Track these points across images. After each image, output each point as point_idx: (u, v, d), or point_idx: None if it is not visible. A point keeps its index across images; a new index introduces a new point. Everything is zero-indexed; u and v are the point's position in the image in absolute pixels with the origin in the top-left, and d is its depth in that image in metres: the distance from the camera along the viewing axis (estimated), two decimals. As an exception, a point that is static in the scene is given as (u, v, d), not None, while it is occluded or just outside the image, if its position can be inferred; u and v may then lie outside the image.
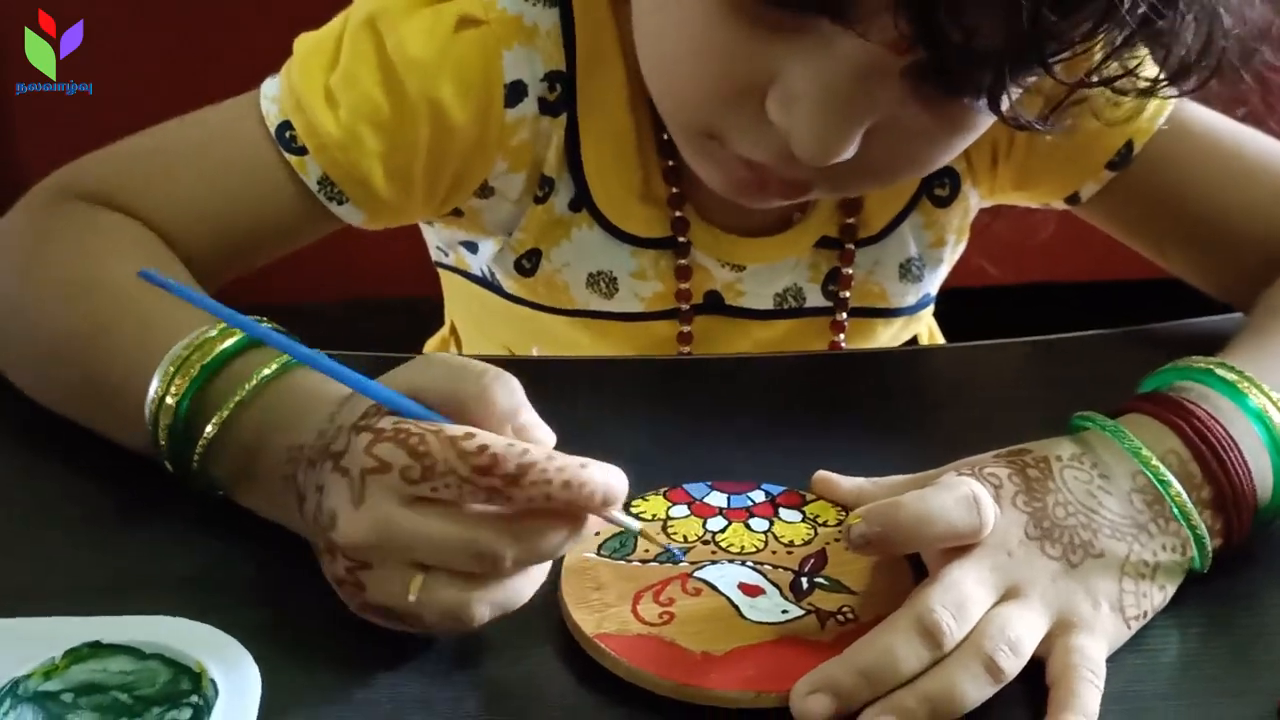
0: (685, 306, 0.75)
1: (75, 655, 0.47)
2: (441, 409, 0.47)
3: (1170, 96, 0.62)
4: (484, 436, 0.46)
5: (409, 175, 0.67)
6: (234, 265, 0.67)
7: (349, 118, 0.65)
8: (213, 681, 0.46)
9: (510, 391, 0.48)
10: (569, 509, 0.46)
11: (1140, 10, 0.50)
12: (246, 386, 0.54)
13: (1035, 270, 0.84)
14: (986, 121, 0.59)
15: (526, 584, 0.48)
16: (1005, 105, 0.54)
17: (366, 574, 0.47)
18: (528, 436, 0.47)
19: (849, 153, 0.56)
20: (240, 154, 0.66)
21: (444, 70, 0.65)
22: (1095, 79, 0.55)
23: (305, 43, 0.68)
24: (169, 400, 0.54)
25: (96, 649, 0.48)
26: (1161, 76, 0.57)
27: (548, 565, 0.49)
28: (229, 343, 0.55)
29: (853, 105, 0.54)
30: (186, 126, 0.67)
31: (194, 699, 0.47)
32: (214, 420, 0.54)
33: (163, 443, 0.55)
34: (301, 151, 0.65)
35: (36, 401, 0.62)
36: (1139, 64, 0.57)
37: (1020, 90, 0.56)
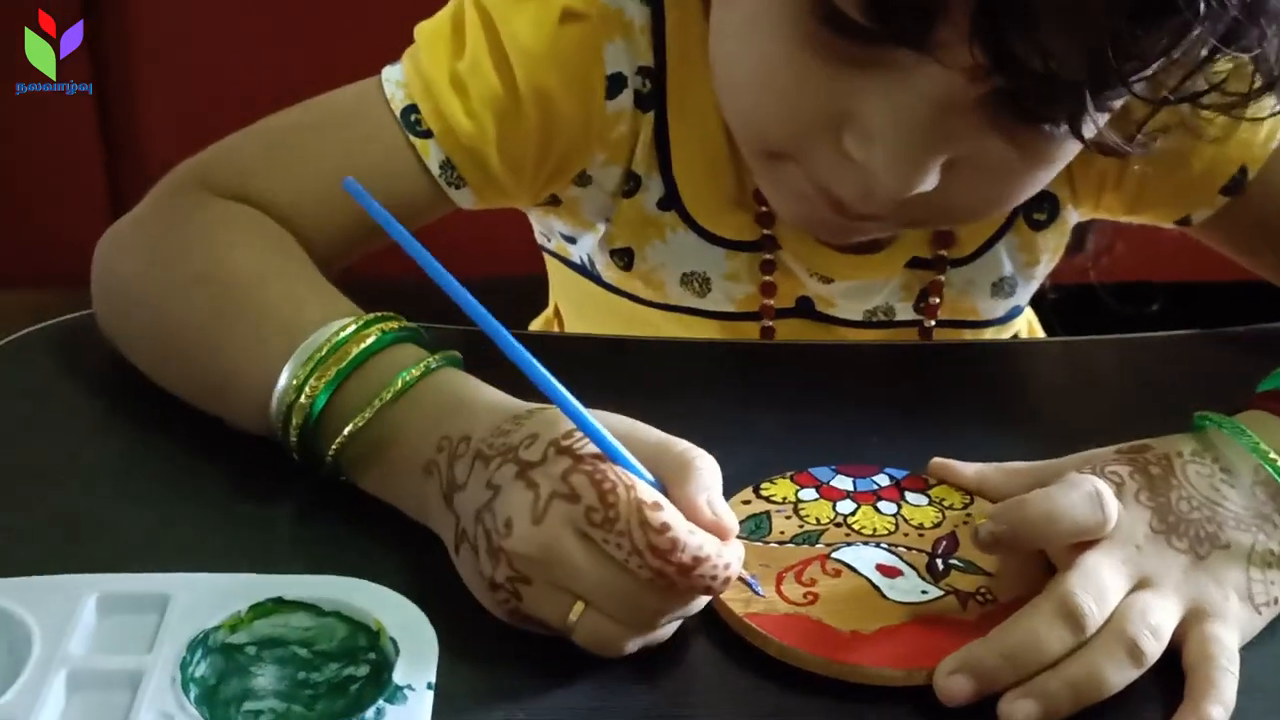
0: (772, 314, 0.73)
1: (259, 610, 0.47)
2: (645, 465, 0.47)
3: (1268, 115, 0.59)
4: (670, 514, 0.45)
5: (521, 162, 0.67)
6: (358, 246, 0.66)
7: (476, 105, 0.64)
8: (392, 640, 0.46)
9: (709, 473, 0.47)
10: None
11: (1221, 25, 0.48)
12: (393, 388, 0.52)
13: (1132, 270, 0.83)
14: (1070, 152, 0.57)
15: (672, 628, 0.48)
16: (1089, 132, 0.52)
17: (525, 588, 0.46)
18: (715, 517, 0.46)
19: (928, 185, 0.54)
20: (368, 135, 0.65)
21: (552, 61, 0.65)
22: (1178, 97, 0.53)
23: (426, 30, 0.67)
24: (303, 398, 0.53)
25: (279, 604, 0.48)
26: (1252, 89, 0.54)
27: None
28: (368, 342, 0.54)
29: (931, 136, 0.53)
30: (312, 110, 0.66)
31: (371, 656, 0.46)
32: (355, 420, 0.52)
33: (294, 436, 0.54)
34: (427, 135, 0.65)
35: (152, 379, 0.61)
36: (1224, 79, 0.54)
37: (1106, 114, 0.54)
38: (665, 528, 0.44)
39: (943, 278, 0.73)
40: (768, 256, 0.71)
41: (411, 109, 0.65)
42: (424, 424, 0.52)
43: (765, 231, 0.70)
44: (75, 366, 0.64)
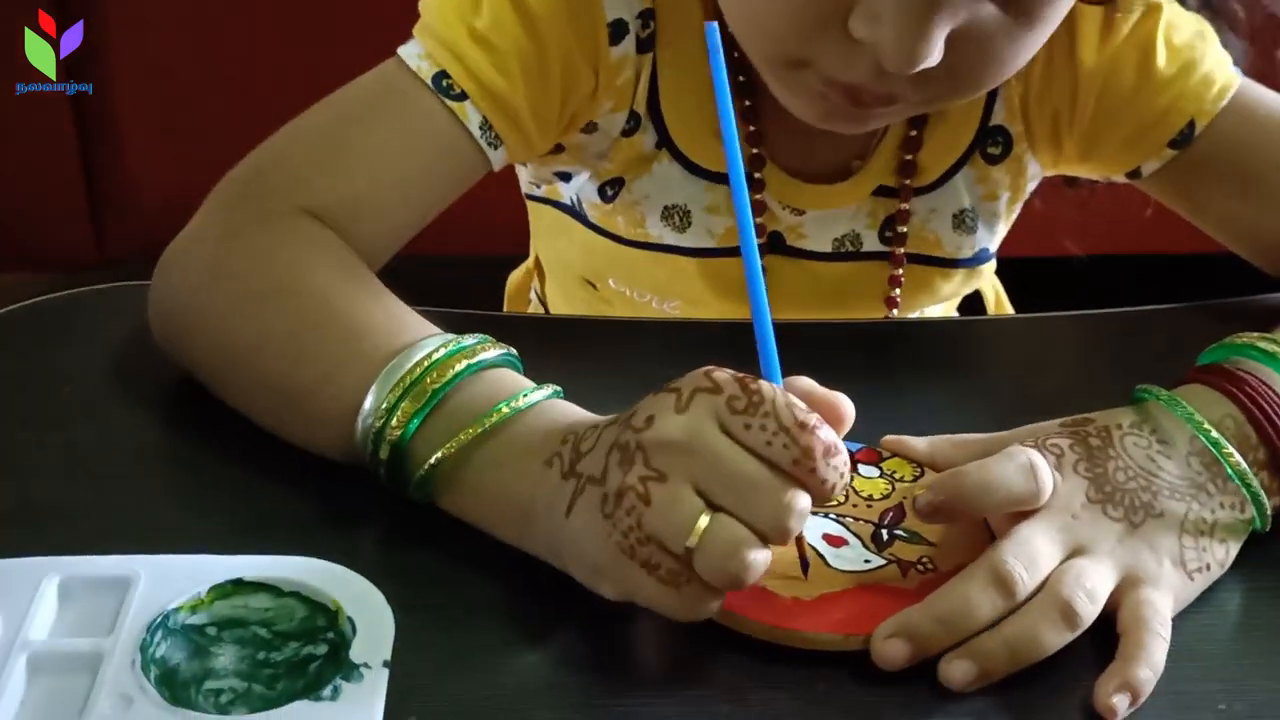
0: (761, 241, 0.74)
1: (219, 591, 0.48)
2: None
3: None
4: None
5: (546, 115, 0.68)
6: (414, 226, 0.66)
7: (504, 61, 0.65)
8: (350, 619, 0.47)
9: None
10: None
11: None
12: (491, 418, 0.51)
13: (1101, 243, 0.84)
14: (1060, 9, 0.60)
15: (767, 562, 0.45)
16: None
17: (658, 488, 0.44)
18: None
19: (935, 58, 0.56)
20: (403, 114, 0.64)
21: (567, 14, 0.66)
22: None
23: (433, 2, 0.67)
24: (395, 421, 0.51)
25: (239, 585, 0.48)
26: None
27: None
28: (460, 366, 0.51)
29: (933, 8, 0.55)
30: (340, 105, 0.65)
31: (329, 635, 0.47)
32: (450, 444, 0.50)
33: (384, 456, 0.51)
34: (461, 97, 0.65)
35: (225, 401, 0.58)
36: None
37: None
38: (810, 414, 0.44)
39: (907, 205, 0.74)
40: (757, 175, 0.72)
41: (442, 75, 0.65)
42: (542, 434, 0.50)
43: (754, 150, 0.72)
44: (42, 351, 0.64)
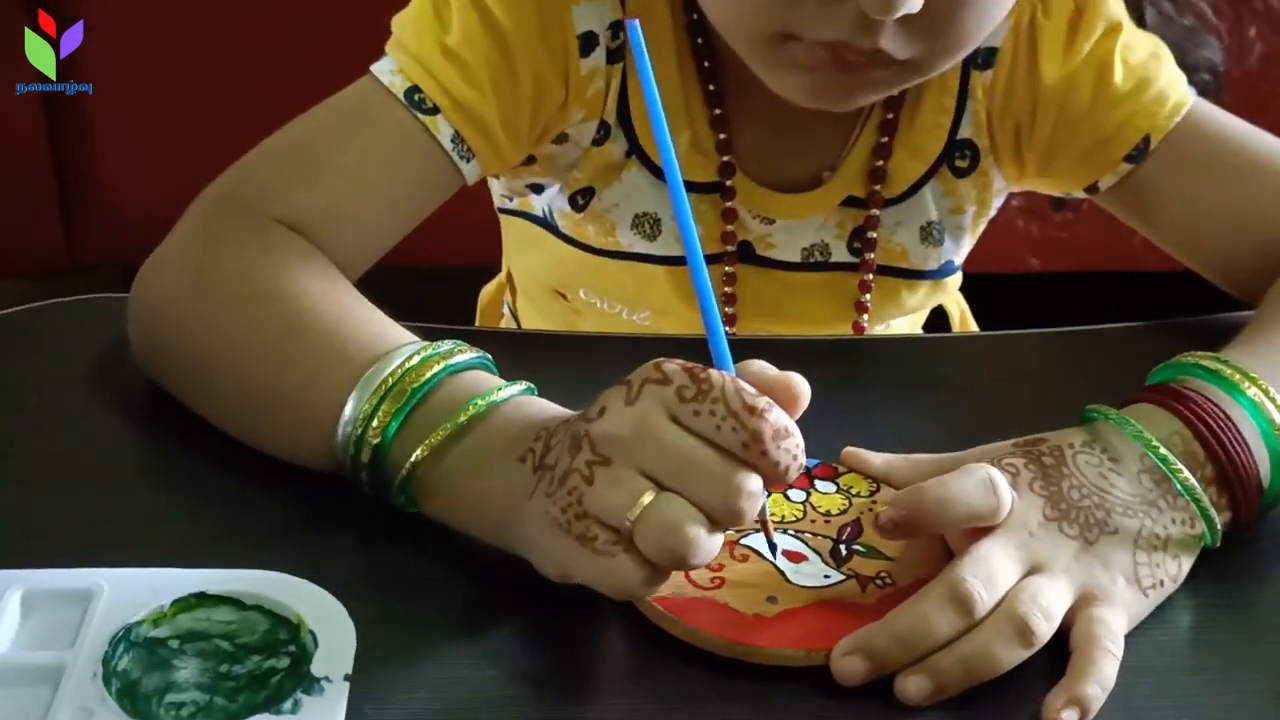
0: (731, 249, 0.74)
1: (182, 604, 0.48)
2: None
3: None
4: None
5: (518, 129, 0.68)
6: (390, 239, 0.66)
7: (475, 74, 0.65)
8: (311, 633, 0.47)
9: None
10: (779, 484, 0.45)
11: None
12: (468, 412, 0.51)
13: (1064, 260, 0.84)
14: None
15: (717, 545, 0.45)
16: None
17: (602, 470, 0.45)
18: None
19: (913, 2, 0.56)
20: (378, 129, 0.65)
21: (538, 28, 0.66)
22: None
23: (404, 18, 0.67)
24: (376, 423, 0.51)
25: (202, 599, 0.48)
26: None
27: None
28: (437, 368, 0.52)
29: None
30: (318, 120, 0.65)
31: (291, 648, 0.47)
32: (429, 439, 0.51)
33: (365, 459, 0.52)
34: (433, 111, 0.65)
35: (196, 411, 0.58)
36: None
37: None
38: (759, 397, 0.44)
39: (876, 212, 0.74)
40: (728, 184, 0.73)
41: (414, 90, 0.65)
42: (517, 430, 0.50)
43: (724, 158, 0.72)
44: (10, 362, 0.64)
